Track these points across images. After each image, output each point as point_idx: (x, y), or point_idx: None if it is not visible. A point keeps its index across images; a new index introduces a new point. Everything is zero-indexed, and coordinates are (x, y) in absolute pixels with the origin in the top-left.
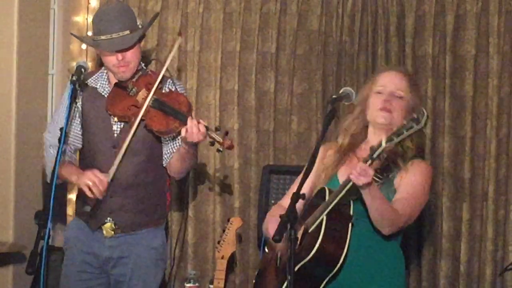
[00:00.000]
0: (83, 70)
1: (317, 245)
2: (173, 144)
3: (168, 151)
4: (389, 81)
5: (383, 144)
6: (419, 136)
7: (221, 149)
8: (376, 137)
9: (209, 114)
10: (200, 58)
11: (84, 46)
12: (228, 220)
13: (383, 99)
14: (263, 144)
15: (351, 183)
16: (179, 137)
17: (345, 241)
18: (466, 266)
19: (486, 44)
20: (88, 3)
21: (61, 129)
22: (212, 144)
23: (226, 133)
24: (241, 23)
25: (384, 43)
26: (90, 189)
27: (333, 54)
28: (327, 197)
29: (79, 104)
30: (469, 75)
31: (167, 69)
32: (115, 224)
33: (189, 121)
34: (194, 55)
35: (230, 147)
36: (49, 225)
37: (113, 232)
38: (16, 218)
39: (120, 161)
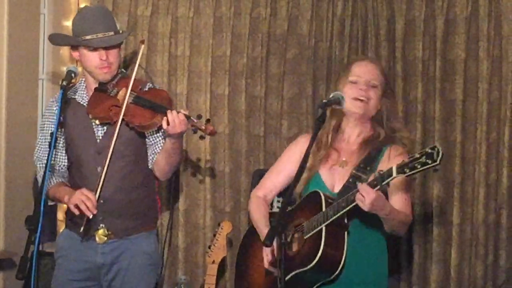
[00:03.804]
0: (73, 75)
1: (319, 254)
2: (157, 145)
3: (153, 152)
4: (364, 71)
5: (394, 173)
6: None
7: (204, 136)
8: (351, 128)
9: None
10: (190, 63)
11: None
12: (219, 225)
13: (359, 89)
14: (254, 149)
15: (355, 203)
16: (162, 136)
17: (343, 249)
18: (457, 270)
19: (476, 48)
20: (78, 7)
21: (51, 134)
22: (194, 131)
23: (208, 120)
24: (231, 28)
25: (374, 47)
26: (78, 208)
27: (323, 58)
28: (323, 204)
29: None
30: (459, 79)
31: (147, 73)
32: (107, 230)
33: (168, 112)
34: (184, 60)
35: (213, 133)
36: (40, 230)
37: (105, 238)
38: (6, 224)
39: (105, 175)
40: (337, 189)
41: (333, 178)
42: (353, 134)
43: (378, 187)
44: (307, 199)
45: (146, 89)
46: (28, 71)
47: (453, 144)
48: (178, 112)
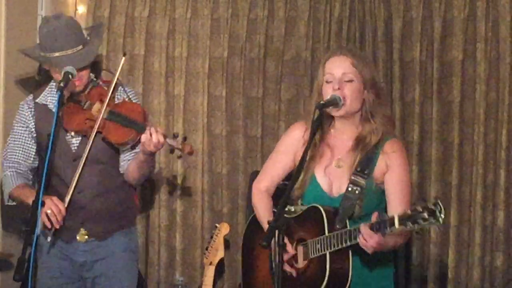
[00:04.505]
0: (70, 76)
1: (326, 278)
2: (130, 152)
3: (125, 158)
4: (335, 67)
5: (396, 225)
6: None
7: (181, 156)
8: (343, 126)
9: (196, 120)
10: (187, 64)
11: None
12: (216, 226)
13: (333, 88)
14: (251, 150)
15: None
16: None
17: (349, 266)
18: (454, 271)
19: (474, 49)
20: (76, 9)
21: (48, 135)
22: (171, 151)
23: (185, 139)
24: (228, 29)
25: (371, 48)
26: (48, 218)
27: (320, 60)
28: (325, 226)
29: (31, 125)
30: (457, 80)
31: (119, 81)
32: (88, 231)
33: (146, 130)
34: (181, 61)
35: (191, 153)
36: (37, 231)
37: (86, 237)
38: (3, 225)
39: (77, 195)
40: (335, 191)
41: (329, 179)
42: (344, 130)
43: (380, 233)
44: (308, 214)
45: (120, 98)
46: (26, 73)
47: (450, 145)
48: (156, 131)
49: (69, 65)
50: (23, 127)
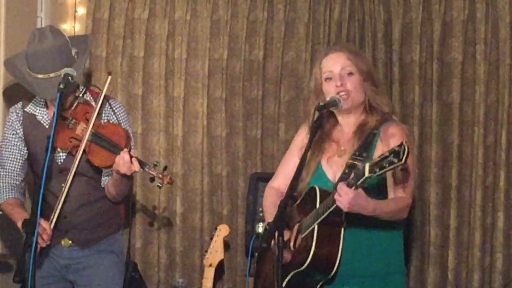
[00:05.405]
0: (70, 78)
1: (311, 254)
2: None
3: (106, 174)
4: (333, 64)
5: (366, 173)
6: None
7: (161, 185)
8: (345, 121)
9: (196, 122)
10: (187, 66)
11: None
12: (216, 228)
13: (335, 85)
14: (251, 152)
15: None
16: None
17: (338, 246)
18: (454, 273)
19: (473, 51)
20: (75, 11)
21: (48, 137)
22: (152, 180)
23: (165, 168)
24: (228, 31)
25: (371, 50)
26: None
27: None
28: (317, 199)
29: (20, 133)
30: (456, 82)
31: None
32: (72, 239)
33: (121, 154)
34: (181, 63)
35: (170, 183)
36: (36, 233)
37: (70, 242)
38: (3, 227)
39: (62, 205)
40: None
41: (333, 170)
42: (348, 124)
43: (354, 187)
44: (307, 195)
45: (105, 118)
46: None
47: (450, 146)
48: (130, 156)
49: (49, 90)
50: (13, 134)
